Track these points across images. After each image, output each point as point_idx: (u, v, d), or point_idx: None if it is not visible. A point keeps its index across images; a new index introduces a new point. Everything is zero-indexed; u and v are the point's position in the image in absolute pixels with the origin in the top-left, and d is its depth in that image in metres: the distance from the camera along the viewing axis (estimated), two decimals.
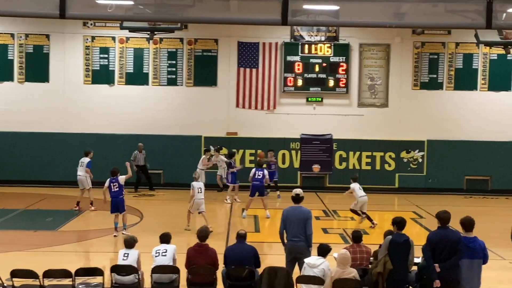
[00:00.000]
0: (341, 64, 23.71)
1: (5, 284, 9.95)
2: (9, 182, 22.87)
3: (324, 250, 10.10)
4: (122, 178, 15.58)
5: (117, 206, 15.45)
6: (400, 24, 14.66)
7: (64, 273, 10.15)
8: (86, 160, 19.04)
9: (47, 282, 10.16)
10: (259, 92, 23.83)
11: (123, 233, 14.96)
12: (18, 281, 10.05)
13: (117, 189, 15.49)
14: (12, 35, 23.46)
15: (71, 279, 10.02)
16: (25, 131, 23.22)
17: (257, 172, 18.21)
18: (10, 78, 23.52)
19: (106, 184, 15.55)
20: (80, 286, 10.20)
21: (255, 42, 23.64)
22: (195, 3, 14.22)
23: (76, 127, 23.41)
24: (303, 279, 9.83)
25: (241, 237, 10.62)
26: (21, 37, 23.50)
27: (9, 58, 23.50)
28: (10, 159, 23.20)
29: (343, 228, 17.17)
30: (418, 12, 14.09)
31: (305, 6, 15.97)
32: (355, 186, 17.28)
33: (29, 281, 10.05)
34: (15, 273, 10.03)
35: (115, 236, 15.09)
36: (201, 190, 16.13)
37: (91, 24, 23.44)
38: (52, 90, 23.56)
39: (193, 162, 21.89)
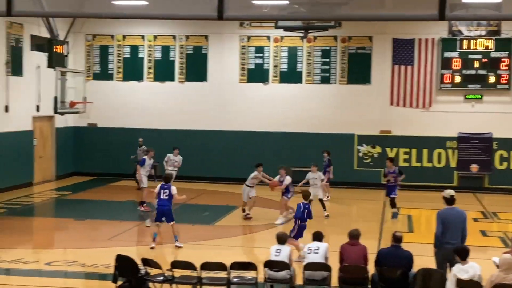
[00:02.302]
0: (503, 59, 22.53)
1: (165, 274, 10.46)
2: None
3: (466, 252, 9.61)
4: (174, 188, 14.27)
5: (162, 215, 14.14)
6: None
7: (220, 266, 10.50)
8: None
9: (204, 274, 10.56)
10: (414, 90, 23.25)
11: (176, 246, 14.08)
12: (177, 272, 10.54)
13: (166, 197, 14.14)
14: (174, 37, 24.61)
15: (226, 272, 10.34)
16: (184, 128, 24.27)
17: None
18: (172, 78, 24.69)
19: (156, 190, 14.33)
20: (234, 279, 10.48)
21: (411, 38, 23.08)
22: (349, 0, 14.15)
23: (231, 125, 24.10)
24: (460, 283, 9.46)
25: (397, 240, 10.34)
26: (181, 38, 24.60)
27: (170, 59, 24.68)
28: None
29: (504, 231, 16.33)
30: None
31: (464, 0, 15.33)
32: None
33: (188, 272, 10.50)
34: (175, 264, 10.54)
35: (152, 248, 13.90)
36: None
37: (247, 25, 24.04)
38: (209, 89, 24.43)
39: (345, 161, 21.79)
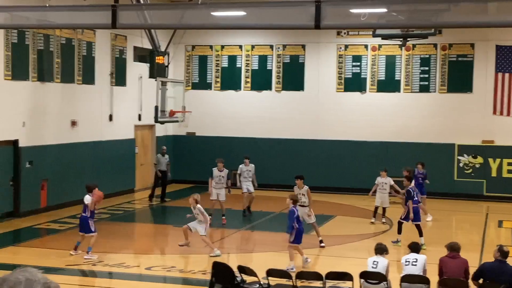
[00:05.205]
0: None
1: (261, 282, 10.52)
2: (266, 186, 24.14)
3: None
4: (88, 198, 13.84)
5: (81, 224, 14.00)
6: None
7: (316, 276, 10.46)
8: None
9: (299, 283, 10.54)
10: None
11: (85, 258, 13.53)
12: (273, 280, 10.58)
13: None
14: (271, 47, 24.81)
15: (322, 281, 10.29)
16: (280, 137, 24.38)
17: None
18: (269, 87, 24.88)
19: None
20: None
21: None
22: (450, 7, 13.77)
23: (327, 134, 24.01)
24: None
25: (503, 254, 9.96)
26: (279, 48, 24.76)
27: (268, 68, 24.88)
28: (266, 164, 24.51)
29: None
30: None
31: None
32: None
33: (283, 281, 10.52)
34: (270, 272, 10.58)
35: (71, 254, 13.70)
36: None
37: (345, 33, 23.90)
38: (306, 98, 24.43)
39: (445, 171, 21.16)
